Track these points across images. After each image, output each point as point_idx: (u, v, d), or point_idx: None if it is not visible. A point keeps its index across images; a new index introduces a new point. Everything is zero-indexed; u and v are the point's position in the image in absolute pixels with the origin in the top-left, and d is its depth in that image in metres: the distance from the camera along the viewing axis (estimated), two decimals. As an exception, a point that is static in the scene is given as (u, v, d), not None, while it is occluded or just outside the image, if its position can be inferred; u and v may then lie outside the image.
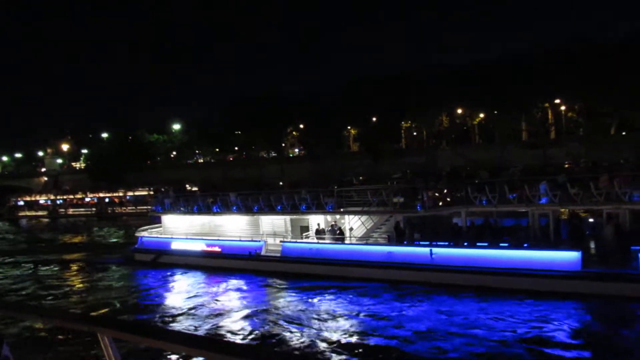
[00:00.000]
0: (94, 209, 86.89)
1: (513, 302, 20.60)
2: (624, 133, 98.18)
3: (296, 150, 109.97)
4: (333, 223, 28.06)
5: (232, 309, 22.81)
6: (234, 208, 31.37)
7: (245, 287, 26.74)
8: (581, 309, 19.56)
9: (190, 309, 23.03)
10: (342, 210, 27.63)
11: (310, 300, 23.27)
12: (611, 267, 20.17)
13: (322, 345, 17.30)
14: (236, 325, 20.13)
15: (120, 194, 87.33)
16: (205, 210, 32.71)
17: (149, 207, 79.92)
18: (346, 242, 27.02)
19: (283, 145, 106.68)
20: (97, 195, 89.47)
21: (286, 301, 23.63)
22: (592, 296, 19.91)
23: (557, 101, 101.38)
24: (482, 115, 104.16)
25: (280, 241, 28.80)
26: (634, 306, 19.12)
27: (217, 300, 24.55)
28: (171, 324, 20.99)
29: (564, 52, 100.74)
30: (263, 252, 29.03)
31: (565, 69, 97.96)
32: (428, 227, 26.51)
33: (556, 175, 24.42)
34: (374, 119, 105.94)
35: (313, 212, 28.52)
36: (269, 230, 30.19)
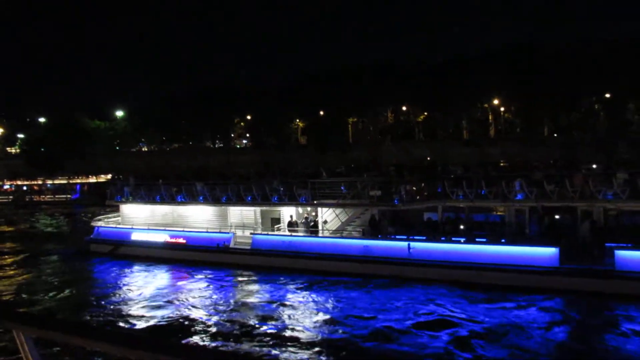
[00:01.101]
0: (10, 197, 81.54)
1: (491, 297, 20.96)
2: (555, 135, 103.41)
3: (244, 141, 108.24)
4: (307, 215, 27.54)
5: (195, 303, 21.86)
6: (200, 198, 30.15)
7: (211, 281, 25.73)
8: (557, 305, 20.12)
9: (148, 304, 21.84)
10: (316, 202, 27.14)
11: (280, 294, 22.69)
12: (587, 264, 20.85)
13: (289, 343, 16.72)
14: (198, 322, 19.22)
15: (40, 182, 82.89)
16: (169, 199, 31.26)
17: (68, 196, 76.91)
18: (320, 235, 26.59)
19: (232, 135, 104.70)
20: (14, 183, 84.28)
21: (255, 295, 22.93)
22: (568, 292, 20.52)
23: (496, 102, 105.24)
24: (425, 113, 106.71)
25: (251, 233, 27.96)
26: (609, 303, 19.83)
27: (179, 294, 23.46)
28: (121, 322, 19.66)
29: (502, 55, 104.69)
30: (232, 244, 28.09)
31: (502, 71, 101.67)
32: (401, 222, 26.56)
33: (532, 172, 25.04)
34: (322, 112, 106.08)
35: (285, 203, 27.87)
36: (237, 222, 29.25)
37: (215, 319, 19.67)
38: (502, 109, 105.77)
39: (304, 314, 19.95)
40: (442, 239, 23.77)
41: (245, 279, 25.93)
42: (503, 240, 23.00)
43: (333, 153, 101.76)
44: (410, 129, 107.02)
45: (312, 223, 27.04)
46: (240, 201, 28.90)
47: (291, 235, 26.90)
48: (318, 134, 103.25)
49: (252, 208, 28.94)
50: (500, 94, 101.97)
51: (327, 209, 27.25)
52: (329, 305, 20.80)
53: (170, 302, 22.09)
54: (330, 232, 26.75)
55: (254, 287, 24.73)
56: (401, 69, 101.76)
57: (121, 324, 19.54)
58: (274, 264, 26.27)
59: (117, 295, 23.81)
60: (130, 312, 20.93)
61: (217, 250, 28.13)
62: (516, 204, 23.50)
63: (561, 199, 22.73)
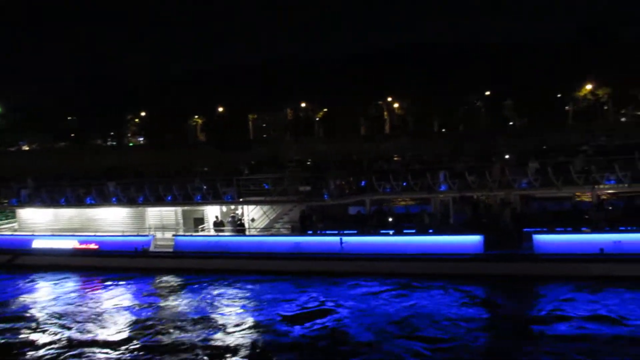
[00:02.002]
0: None
1: (421, 286, 21.63)
2: (443, 130, 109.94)
3: (140, 139, 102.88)
4: (233, 214, 26.64)
5: (108, 313, 20.31)
6: (114, 199, 28.03)
7: (130, 288, 24.08)
8: (482, 289, 21.19)
9: (55, 321, 19.80)
10: (242, 200, 26.34)
11: (207, 297, 21.72)
12: (509, 249, 22.20)
13: (219, 351, 16.11)
14: (112, 335, 17.91)
15: None
16: (76, 202, 28.69)
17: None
18: (248, 233, 25.87)
19: (129, 134, 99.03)
20: None
21: (179, 301, 21.70)
22: (493, 277, 21.71)
23: (390, 99, 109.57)
24: (325, 109, 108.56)
25: (173, 235, 26.51)
26: (529, 284, 21.14)
27: (93, 305, 21.61)
28: (22, 346, 17.50)
29: (398, 54, 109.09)
30: (151, 248, 26.45)
31: (397, 70, 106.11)
32: (328, 217, 26.61)
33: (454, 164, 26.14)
34: (220, 109, 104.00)
35: (210, 202, 26.74)
36: (156, 224, 27.59)
37: (135, 332, 18.18)
38: (395, 105, 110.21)
39: (232, 317, 19.17)
40: (373, 232, 24.11)
41: (169, 284, 24.54)
42: (431, 231, 23.83)
43: (233, 150, 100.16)
44: (310, 126, 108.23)
45: (239, 222, 26.20)
46: (159, 201, 27.28)
47: (218, 235, 25.89)
48: (217, 131, 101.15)
49: (173, 208, 27.46)
50: (395, 91, 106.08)
51: (254, 206, 26.56)
52: (260, 306, 20.13)
53: (80, 313, 20.32)
54: (259, 230, 26.11)
55: (178, 291, 23.45)
56: (302, 65, 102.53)
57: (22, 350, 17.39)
58: (200, 266, 25.13)
59: (17, 313, 21.21)
60: (35, 330, 18.87)
61: (135, 254, 26.34)
62: (440, 195, 24.46)
63: (481, 189, 24.03)
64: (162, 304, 21.46)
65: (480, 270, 21.90)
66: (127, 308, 21.08)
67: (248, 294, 21.86)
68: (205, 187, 26.96)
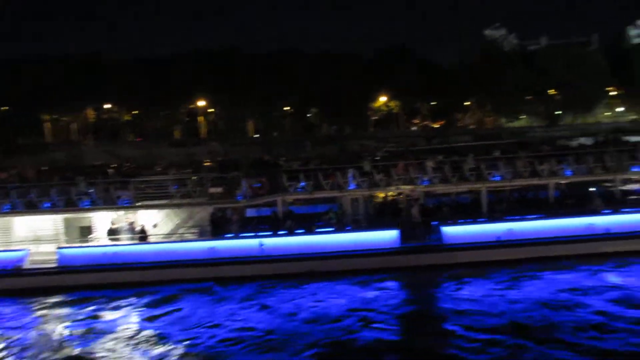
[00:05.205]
0: None
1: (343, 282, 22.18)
2: (257, 135, 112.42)
3: None
4: (132, 220, 23.59)
5: None
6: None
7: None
8: (400, 280, 22.62)
9: None
10: (141, 204, 23.55)
11: (106, 318, 19.20)
12: (421, 241, 23.98)
13: None
14: None
15: None
16: None
17: None
18: (152, 241, 23.23)
19: None
20: None
21: (68, 324, 18.74)
22: (409, 268, 23.27)
23: (203, 103, 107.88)
24: (134, 112, 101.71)
25: (58, 247, 22.37)
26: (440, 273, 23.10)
27: None
28: None
29: (208, 58, 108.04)
30: (27, 265, 21.98)
31: (208, 73, 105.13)
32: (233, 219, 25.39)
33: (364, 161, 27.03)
34: (6, 108, 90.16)
35: (100, 208, 23.25)
36: (29, 236, 22.94)
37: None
38: (209, 110, 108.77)
39: (135, 338, 17.19)
40: (295, 232, 23.77)
41: (50, 305, 20.74)
42: (348, 228, 24.44)
43: (25, 154, 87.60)
44: (117, 129, 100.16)
45: (138, 228, 23.33)
46: (32, 208, 22.75)
47: (115, 245, 22.69)
48: (3, 133, 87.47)
49: (52, 216, 23.13)
50: (205, 95, 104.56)
51: (156, 210, 23.92)
52: (172, 321, 18.53)
53: None
54: (163, 236, 23.61)
55: (64, 313, 20.10)
56: (106, 65, 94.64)
57: None
58: (94, 281, 21.79)
59: None
60: None
61: (5, 274, 21.59)
62: (351, 194, 25.22)
63: (388, 186, 25.52)
64: (40, 331, 18.28)
65: (399, 263, 23.25)
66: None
67: (147, 308, 19.87)
68: (91, 190, 23.39)
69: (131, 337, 17.15)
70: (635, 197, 25.78)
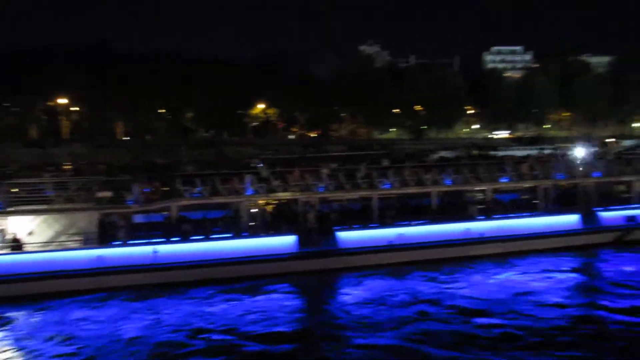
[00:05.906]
0: None
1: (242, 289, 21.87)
2: (127, 138, 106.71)
3: None
4: (2, 227, 21.02)
5: None
6: None
7: None
8: (296, 284, 22.82)
9: None
10: (14, 210, 21.12)
11: None
12: (318, 246, 24.36)
13: None
14: None
15: None
16: None
17: None
18: (27, 250, 20.92)
19: None
20: None
21: None
22: (307, 272, 23.55)
23: (65, 101, 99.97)
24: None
25: None
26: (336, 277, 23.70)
27: None
28: None
29: (75, 54, 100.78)
30: None
31: (73, 71, 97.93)
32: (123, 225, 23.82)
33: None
34: None
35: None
36: None
37: None
38: (72, 109, 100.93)
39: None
40: (192, 239, 22.89)
41: None
42: (245, 234, 24.07)
43: None
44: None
45: (11, 237, 20.88)
46: None
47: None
48: None
49: None
50: (68, 93, 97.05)
51: (32, 217, 21.56)
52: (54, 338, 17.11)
53: None
54: (42, 245, 21.35)
55: None
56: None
57: None
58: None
59: None
60: None
61: None
62: (249, 199, 24.90)
63: (285, 192, 25.59)
64: None
65: (297, 268, 23.44)
66: None
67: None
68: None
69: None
70: (504, 204, 28.61)
